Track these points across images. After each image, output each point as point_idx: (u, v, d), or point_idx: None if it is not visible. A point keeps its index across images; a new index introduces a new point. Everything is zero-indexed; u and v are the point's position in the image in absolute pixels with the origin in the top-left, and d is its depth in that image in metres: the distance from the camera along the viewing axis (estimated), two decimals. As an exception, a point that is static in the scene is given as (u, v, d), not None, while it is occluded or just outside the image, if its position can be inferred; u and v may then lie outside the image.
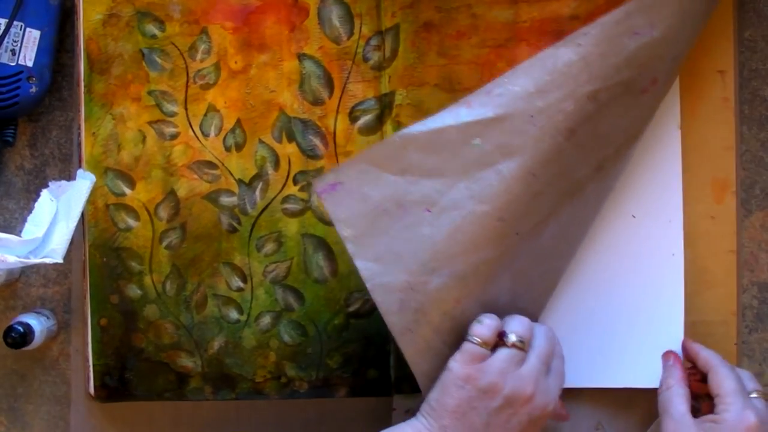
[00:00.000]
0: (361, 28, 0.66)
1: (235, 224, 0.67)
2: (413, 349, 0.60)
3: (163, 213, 0.66)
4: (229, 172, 0.67)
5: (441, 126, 0.59)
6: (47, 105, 0.68)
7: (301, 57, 0.66)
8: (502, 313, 0.61)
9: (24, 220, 0.61)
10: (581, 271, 0.67)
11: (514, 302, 0.62)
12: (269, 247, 0.67)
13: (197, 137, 0.66)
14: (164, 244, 0.66)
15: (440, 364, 0.60)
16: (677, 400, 0.62)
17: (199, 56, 0.66)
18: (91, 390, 0.67)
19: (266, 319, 0.67)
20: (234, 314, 0.67)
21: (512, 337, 0.59)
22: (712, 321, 0.68)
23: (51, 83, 0.67)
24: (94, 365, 0.66)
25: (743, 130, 0.69)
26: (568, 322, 0.68)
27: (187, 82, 0.66)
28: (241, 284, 0.67)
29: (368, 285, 0.59)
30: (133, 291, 0.66)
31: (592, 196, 0.64)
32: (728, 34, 0.68)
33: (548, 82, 0.59)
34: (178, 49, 0.66)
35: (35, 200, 0.61)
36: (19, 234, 0.60)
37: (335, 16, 0.66)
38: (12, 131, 0.67)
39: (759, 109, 0.69)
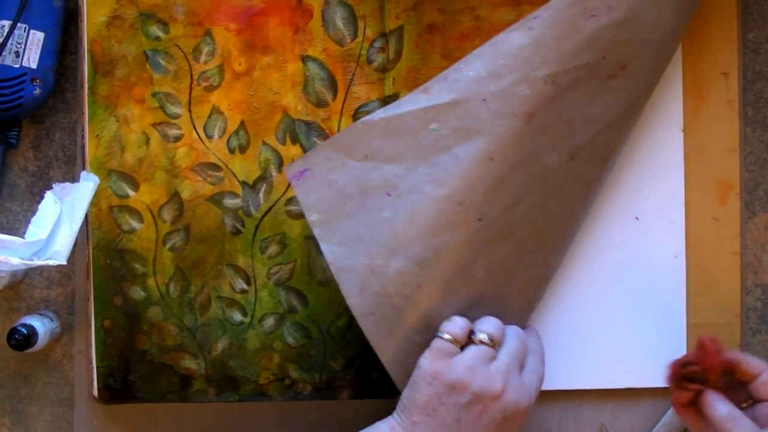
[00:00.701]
0: (365, 30, 0.66)
1: (239, 226, 0.67)
2: (376, 332, 0.61)
3: (167, 215, 0.66)
4: (233, 174, 0.67)
5: (400, 112, 0.61)
6: (51, 107, 0.68)
7: (304, 59, 0.66)
8: (484, 305, 0.62)
9: (27, 222, 0.61)
10: (584, 272, 0.68)
11: (498, 294, 0.63)
12: (273, 248, 0.67)
13: (201, 139, 0.66)
14: (168, 246, 0.66)
15: (406, 350, 0.61)
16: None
17: (202, 58, 0.66)
18: (95, 392, 0.67)
19: (270, 321, 0.67)
20: (237, 316, 0.67)
21: (480, 335, 0.60)
22: (715, 323, 0.68)
23: (55, 85, 0.67)
24: (97, 367, 0.66)
25: (747, 132, 0.69)
26: (570, 323, 0.68)
27: (191, 84, 0.66)
28: (245, 286, 0.67)
29: (332, 268, 0.61)
30: (137, 293, 0.66)
31: (572, 188, 0.63)
32: (732, 36, 0.68)
33: (501, 66, 0.60)
34: (182, 51, 0.66)
35: (39, 202, 0.61)
36: (22, 236, 0.60)
37: (339, 18, 0.66)
38: (16, 133, 0.67)
39: (763, 111, 0.69)
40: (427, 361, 0.59)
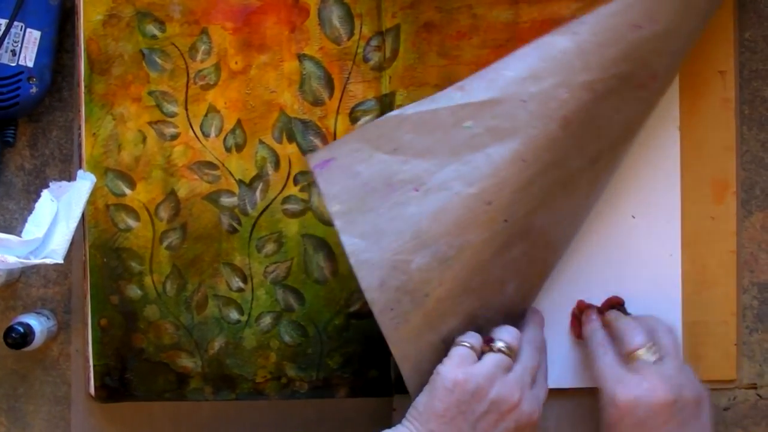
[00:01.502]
0: (361, 28, 0.66)
1: (236, 225, 0.67)
2: (393, 327, 0.60)
3: (164, 213, 0.66)
4: (230, 172, 0.67)
5: (435, 108, 0.60)
6: (47, 105, 0.68)
7: (301, 57, 0.66)
8: (493, 302, 0.61)
9: (24, 221, 0.61)
10: (581, 270, 0.68)
11: (505, 296, 0.63)
12: (269, 247, 0.67)
13: (197, 138, 0.66)
14: (164, 244, 0.66)
15: (420, 348, 0.60)
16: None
17: (199, 57, 0.66)
18: (92, 390, 0.67)
19: (266, 320, 0.67)
20: (234, 315, 0.67)
21: (499, 344, 0.60)
22: (712, 321, 0.68)
23: (51, 84, 0.67)
24: (94, 365, 0.66)
25: (743, 131, 0.69)
26: (567, 321, 0.68)
27: (188, 82, 0.66)
28: (242, 285, 0.67)
29: (351, 261, 0.59)
30: (134, 291, 0.66)
31: (585, 190, 0.64)
32: (729, 35, 0.68)
33: (542, 68, 0.60)
34: (179, 50, 0.66)
35: (35, 201, 0.61)
36: (19, 234, 0.60)
37: (335, 16, 0.66)
38: (12, 131, 0.67)
39: (759, 110, 0.69)
40: (446, 368, 0.59)
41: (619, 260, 0.68)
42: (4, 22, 0.64)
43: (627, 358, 0.61)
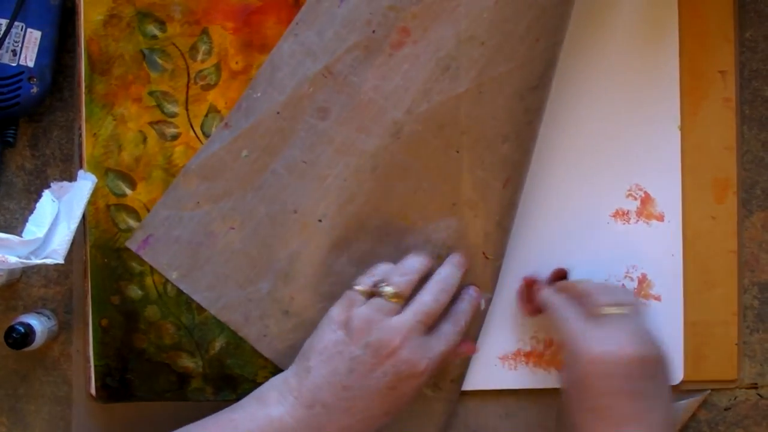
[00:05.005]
0: (361, 28, 0.66)
1: (236, 225, 0.67)
2: (274, 350, 0.65)
3: (164, 213, 0.66)
4: (230, 172, 0.67)
5: (212, 152, 0.65)
6: (48, 105, 0.68)
7: (301, 57, 0.66)
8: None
9: (25, 221, 0.61)
10: (582, 271, 0.68)
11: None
12: (270, 247, 0.67)
13: (198, 138, 0.66)
14: (165, 244, 0.67)
15: None
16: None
17: (199, 57, 0.66)
18: (92, 390, 0.67)
19: (267, 320, 0.67)
20: (235, 315, 0.67)
21: (386, 288, 0.60)
22: (712, 321, 0.68)
23: (52, 84, 0.67)
24: (95, 366, 0.66)
25: (744, 131, 0.69)
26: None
27: (188, 82, 0.66)
28: (242, 285, 0.67)
29: (212, 312, 0.65)
30: (134, 292, 0.66)
31: (393, 160, 0.63)
32: (729, 35, 0.68)
33: (281, 78, 0.64)
34: (179, 50, 0.66)
35: (36, 201, 0.61)
36: (20, 234, 0.60)
37: None
38: (13, 132, 0.67)
39: (760, 110, 0.69)
40: (333, 310, 0.61)
41: (621, 260, 0.68)
42: (4, 22, 0.64)
43: (593, 314, 0.59)
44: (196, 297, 0.65)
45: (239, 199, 0.64)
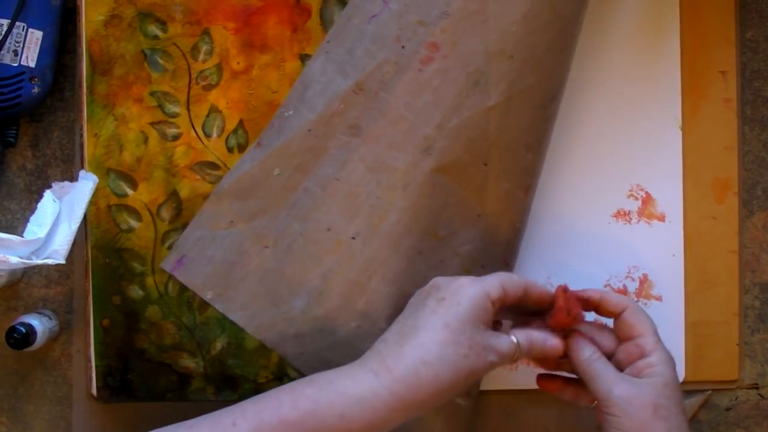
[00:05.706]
0: (363, 28, 0.66)
1: (237, 225, 0.67)
2: (312, 368, 0.63)
3: (166, 214, 0.66)
4: (232, 172, 0.67)
5: (244, 171, 0.64)
6: (49, 106, 0.68)
7: (303, 58, 0.66)
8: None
9: (26, 221, 0.61)
10: (583, 271, 0.68)
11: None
12: (271, 247, 0.67)
13: (199, 138, 0.66)
14: (167, 244, 0.66)
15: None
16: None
17: (201, 57, 0.66)
18: (93, 391, 0.67)
19: (268, 320, 0.67)
20: (236, 315, 0.67)
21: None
22: (713, 321, 0.68)
23: (53, 84, 0.67)
24: (96, 366, 0.66)
25: (745, 131, 0.69)
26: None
27: (189, 83, 0.66)
28: (243, 285, 0.67)
29: (249, 331, 0.65)
30: (136, 292, 0.66)
31: (415, 179, 0.63)
32: (730, 35, 0.68)
33: (311, 95, 0.63)
34: (180, 50, 0.66)
35: (37, 201, 0.61)
36: (21, 235, 0.60)
37: (337, 17, 0.66)
38: (14, 132, 0.67)
39: (761, 110, 0.70)
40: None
41: (622, 260, 0.68)
42: (6, 22, 0.64)
43: (635, 370, 0.58)
44: (232, 316, 0.65)
45: (272, 217, 0.64)
